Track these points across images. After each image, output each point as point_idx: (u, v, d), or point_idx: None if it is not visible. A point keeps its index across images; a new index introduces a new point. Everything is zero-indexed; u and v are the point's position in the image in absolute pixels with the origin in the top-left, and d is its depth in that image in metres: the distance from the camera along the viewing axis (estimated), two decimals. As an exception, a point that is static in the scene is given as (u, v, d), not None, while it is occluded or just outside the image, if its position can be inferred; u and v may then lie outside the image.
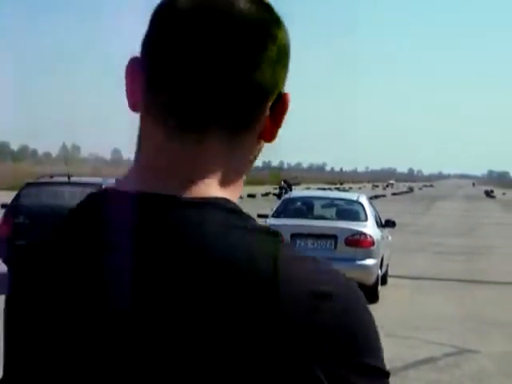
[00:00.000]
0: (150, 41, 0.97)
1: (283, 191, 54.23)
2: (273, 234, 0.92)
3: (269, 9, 0.98)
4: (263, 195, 61.87)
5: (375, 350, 0.89)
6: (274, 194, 56.95)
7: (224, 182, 0.96)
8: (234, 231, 0.90)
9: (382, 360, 0.89)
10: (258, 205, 43.33)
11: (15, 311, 0.97)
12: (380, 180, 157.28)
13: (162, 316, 0.87)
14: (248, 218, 0.93)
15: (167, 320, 0.87)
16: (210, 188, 0.94)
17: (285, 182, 55.09)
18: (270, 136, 1.00)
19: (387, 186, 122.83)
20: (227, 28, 0.94)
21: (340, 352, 0.85)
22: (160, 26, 0.96)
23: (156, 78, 0.96)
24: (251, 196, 58.36)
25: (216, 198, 0.93)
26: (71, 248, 0.94)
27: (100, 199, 0.96)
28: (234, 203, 0.94)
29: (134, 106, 1.00)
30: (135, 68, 0.99)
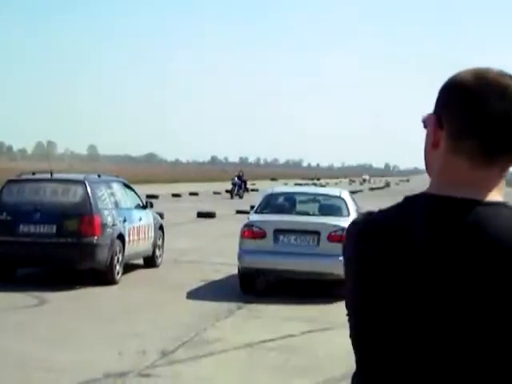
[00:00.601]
0: (450, 106, 1.53)
1: (236, 187, 47.92)
2: None
3: None
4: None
5: None
6: (227, 191, 49.54)
7: (500, 193, 1.53)
8: None
9: None
10: (236, 200, 43.45)
11: (366, 271, 1.53)
12: (356, 175, 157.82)
13: (463, 284, 1.43)
14: None
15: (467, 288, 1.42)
16: (495, 196, 1.51)
17: (238, 177, 48.52)
18: None
19: (364, 181, 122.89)
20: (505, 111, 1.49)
21: None
22: (456, 97, 1.52)
23: (463, 130, 1.50)
24: (229, 191, 58.30)
25: (501, 202, 1.51)
26: (411, 232, 1.49)
27: (423, 200, 1.53)
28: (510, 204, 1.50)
29: (435, 146, 1.54)
30: (436, 122, 1.54)
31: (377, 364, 1.50)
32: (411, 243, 1.48)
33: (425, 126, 1.59)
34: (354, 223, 1.60)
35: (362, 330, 1.53)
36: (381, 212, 1.57)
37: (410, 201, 1.55)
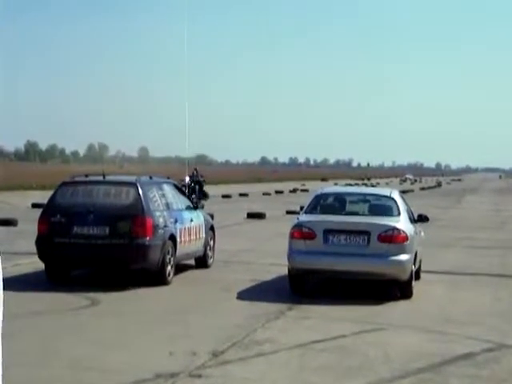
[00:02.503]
0: None
1: (189, 188, 33.77)
2: None
3: None
4: (291, 191, 61.87)
5: None
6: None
7: None
8: None
9: None
10: (286, 201, 43.49)
11: None
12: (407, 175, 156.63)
13: None
14: None
15: None
16: None
17: (190, 177, 35.66)
18: None
19: (415, 181, 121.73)
20: None
21: None
22: None
23: None
24: (279, 192, 58.43)
25: None
26: None
27: None
28: None
29: None
30: None
31: None
32: None
33: None
34: None
35: None
36: None
37: None
